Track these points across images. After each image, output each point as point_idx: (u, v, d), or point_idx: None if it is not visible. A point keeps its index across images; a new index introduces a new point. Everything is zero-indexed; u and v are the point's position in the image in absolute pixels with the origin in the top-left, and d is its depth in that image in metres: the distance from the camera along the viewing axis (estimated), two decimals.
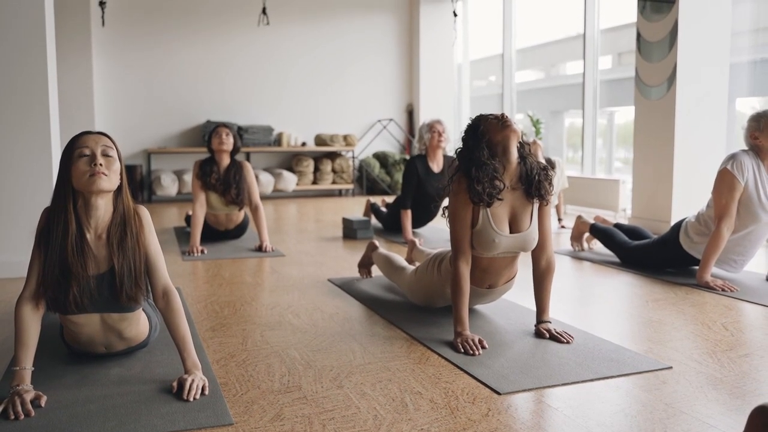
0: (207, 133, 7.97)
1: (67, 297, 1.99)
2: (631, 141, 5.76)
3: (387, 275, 3.32)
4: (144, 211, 2.14)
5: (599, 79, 7.08)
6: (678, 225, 3.72)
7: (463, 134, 2.60)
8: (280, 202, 8.26)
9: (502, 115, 2.53)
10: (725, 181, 3.33)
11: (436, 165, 4.96)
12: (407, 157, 9.02)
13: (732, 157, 3.36)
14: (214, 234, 4.80)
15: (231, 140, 4.62)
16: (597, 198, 6.49)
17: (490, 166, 2.46)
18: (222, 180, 4.56)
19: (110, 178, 2.00)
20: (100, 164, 1.98)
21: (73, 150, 2.01)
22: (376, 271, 3.67)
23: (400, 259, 3.29)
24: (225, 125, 4.73)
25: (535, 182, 2.50)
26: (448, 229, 2.56)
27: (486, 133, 2.51)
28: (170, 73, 8.45)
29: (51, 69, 3.76)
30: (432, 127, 4.86)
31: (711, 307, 3.03)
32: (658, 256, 3.78)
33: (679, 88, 5.12)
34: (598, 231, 4.22)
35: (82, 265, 2.00)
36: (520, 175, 2.52)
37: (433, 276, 2.80)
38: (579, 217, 4.48)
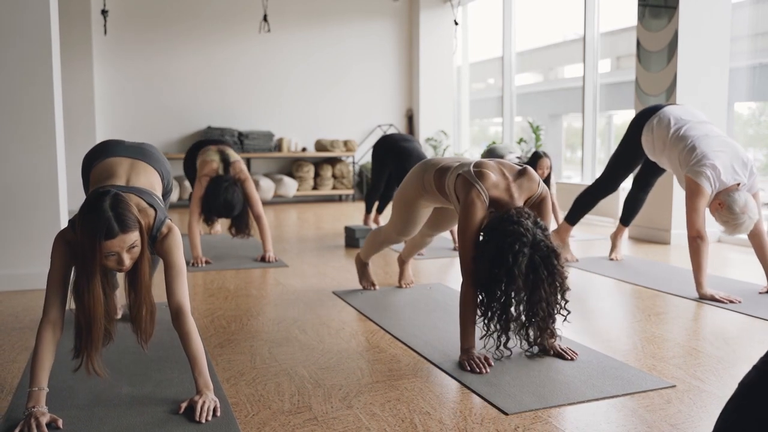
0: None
1: None
2: None
3: (376, 245, 3.47)
4: (171, 233, 2.30)
5: (599, 82, 7.12)
6: (638, 121, 3.96)
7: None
8: (280, 208, 8.28)
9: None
10: (703, 196, 3.35)
11: None
12: None
13: (705, 175, 3.34)
14: None
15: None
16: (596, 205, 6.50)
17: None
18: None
19: (133, 262, 2.05)
20: (127, 264, 2.01)
21: (98, 251, 1.92)
22: (378, 282, 3.70)
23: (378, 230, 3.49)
24: (229, 191, 4.39)
25: None
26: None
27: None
28: (171, 79, 8.47)
29: (56, 84, 3.78)
30: None
31: (713, 321, 3.06)
32: (619, 161, 4.16)
33: (679, 98, 5.15)
34: (572, 215, 4.42)
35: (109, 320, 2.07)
36: None
37: (413, 180, 2.96)
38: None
